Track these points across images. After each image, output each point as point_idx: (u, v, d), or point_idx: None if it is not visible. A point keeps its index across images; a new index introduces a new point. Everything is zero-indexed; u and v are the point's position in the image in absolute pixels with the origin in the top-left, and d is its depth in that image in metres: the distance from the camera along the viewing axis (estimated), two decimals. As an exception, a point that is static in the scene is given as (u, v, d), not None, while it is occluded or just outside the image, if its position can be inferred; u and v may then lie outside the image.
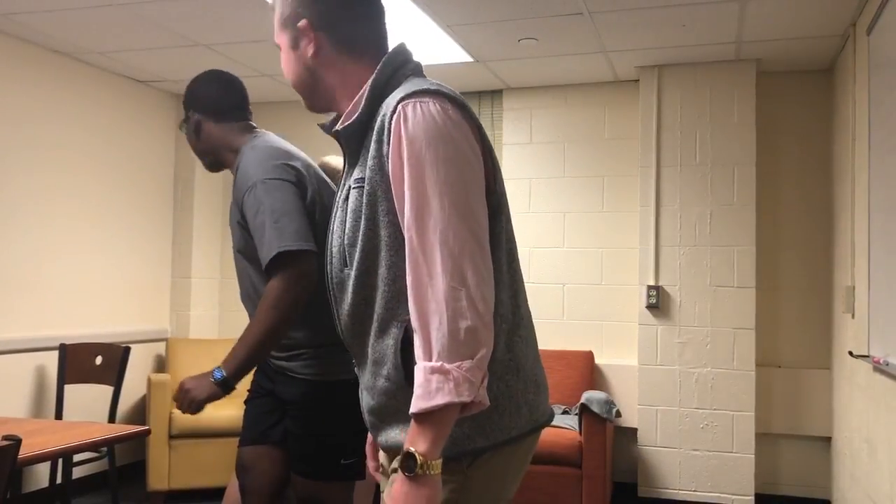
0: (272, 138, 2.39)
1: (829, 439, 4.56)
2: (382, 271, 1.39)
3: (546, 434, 4.01)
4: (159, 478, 4.47)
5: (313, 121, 5.52)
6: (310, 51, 1.49)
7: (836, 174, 4.43)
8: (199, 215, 5.50)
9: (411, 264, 1.29)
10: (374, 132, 1.39)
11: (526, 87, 5.13)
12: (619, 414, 4.43)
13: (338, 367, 2.28)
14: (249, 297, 2.36)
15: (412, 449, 1.21)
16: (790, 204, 4.71)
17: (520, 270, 1.49)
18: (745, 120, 4.54)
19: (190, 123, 2.40)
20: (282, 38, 1.54)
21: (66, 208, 4.62)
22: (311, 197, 2.24)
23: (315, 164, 2.39)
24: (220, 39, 4.27)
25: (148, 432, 2.75)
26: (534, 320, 1.54)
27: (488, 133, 4.10)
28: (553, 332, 5.00)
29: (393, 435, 1.45)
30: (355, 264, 1.42)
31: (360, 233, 1.40)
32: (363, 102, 1.44)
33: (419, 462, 1.21)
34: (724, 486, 4.47)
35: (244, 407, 2.53)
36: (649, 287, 4.62)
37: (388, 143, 1.35)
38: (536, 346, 1.52)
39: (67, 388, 4.35)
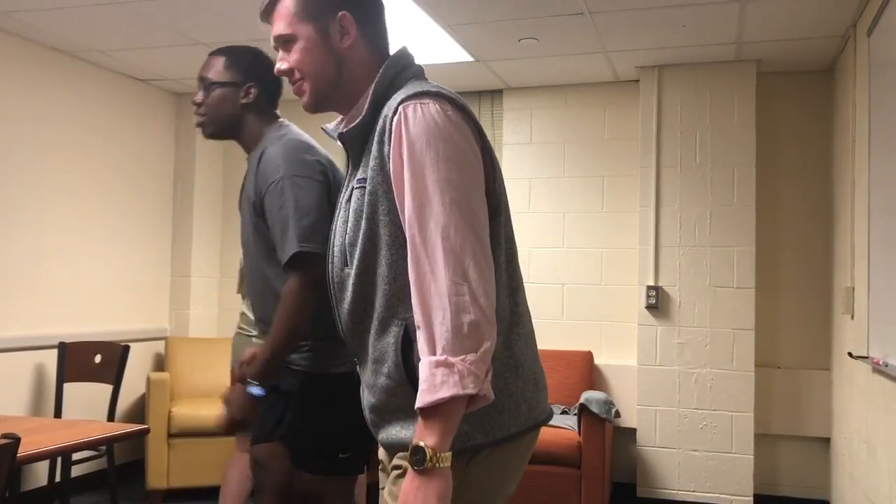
0: (299, 131, 2.38)
1: (828, 440, 4.56)
2: (382, 270, 1.40)
3: (545, 434, 4.01)
4: (158, 476, 4.47)
5: (310, 120, 5.51)
6: (346, 42, 1.50)
7: (836, 175, 4.43)
8: (199, 214, 5.50)
9: (413, 261, 1.30)
10: (376, 133, 1.41)
11: (526, 87, 5.13)
12: (618, 414, 4.43)
13: (337, 360, 2.27)
14: (258, 291, 2.33)
15: (421, 443, 1.23)
16: (790, 204, 4.71)
17: (519, 270, 1.50)
18: (745, 120, 4.54)
19: (236, 92, 2.38)
20: (301, 30, 1.51)
21: (66, 207, 4.62)
22: (332, 196, 2.23)
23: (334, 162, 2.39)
24: (220, 38, 4.27)
25: (147, 431, 2.75)
26: (533, 320, 1.56)
27: (488, 133, 4.10)
28: (552, 333, 4.99)
29: (394, 432, 1.45)
30: (355, 263, 1.43)
31: (361, 232, 1.42)
32: (367, 105, 1.46)
33: (428, 455, 1.22)
34: (723, 486, 4.47)
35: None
36: (649, 287, 4.62)
37: (389, 144, 1.37)
38: (535, 344, 1.53)
39: (66, 386, 4.35)
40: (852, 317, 3.84)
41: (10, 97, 4.28)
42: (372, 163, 1.41)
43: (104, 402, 4.29)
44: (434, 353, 1.25)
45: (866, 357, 3.37)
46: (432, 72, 4.95)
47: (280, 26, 1.54)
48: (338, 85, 1.52)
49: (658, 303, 4.60)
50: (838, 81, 4.40)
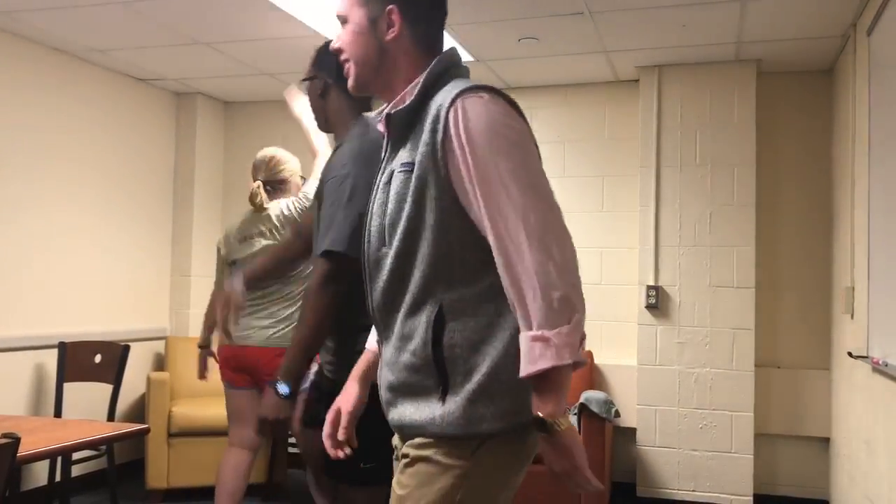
0: (376, 134, 2.42)
1: (827, 440, 4.56)
2: (424, 251, 1.46)
3: (545, 434, 4.01)
4: (158, 476, 4.47)
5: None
6: (390, 35, 1.55)
7: (836, 175, 4.43)
8: (199, 213, 5.50)
9: (499, 251, 1.39)
10: (428, 121, 1.46)
11: (526, 87, 5.13)
12: (618, 414, 4.43)
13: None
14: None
15: (539, 413, 1.34)
16: (790, 204, 4.71)
17: None
18: (746, 120, 4.54)
19: (316, 85, 2.41)
20: (354, 13, 1.58)
21: (66, 206, 4.62)
22: None
23: None
24: (220, 38, 4.27)
25: (147, 431, 2.75)
26: (533, 320, 1.58)
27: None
28: (552, 332, 4.98)
29: (407, 413, 1.49)
30: (395, 243, 1.49)
31: (404, 214, 1.48)
32: (416, 91, 1.51)
33: (549, 423, 1.35)
34: (723, 486, 4.47)
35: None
36: (649, 287, 4.62)
37: (444, 134, 1.43)
38: None
39: (66, 386, 4.35)
40: (852, 316, 3.84)
41: (11, 97, 4.28)
42: (422, 148, 1.46)
43: (104, 402, 4.29)
44: (531, 329, 1.34)
45: (866, 357, 3.37)
46: (432, 71, 4.89)
47: (341, 5, 1.62)
48: (379, 73, 1.58)
49: (658, 302, 4.60)
50: (838, 81, 4.40)
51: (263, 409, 2.22)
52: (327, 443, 1.72)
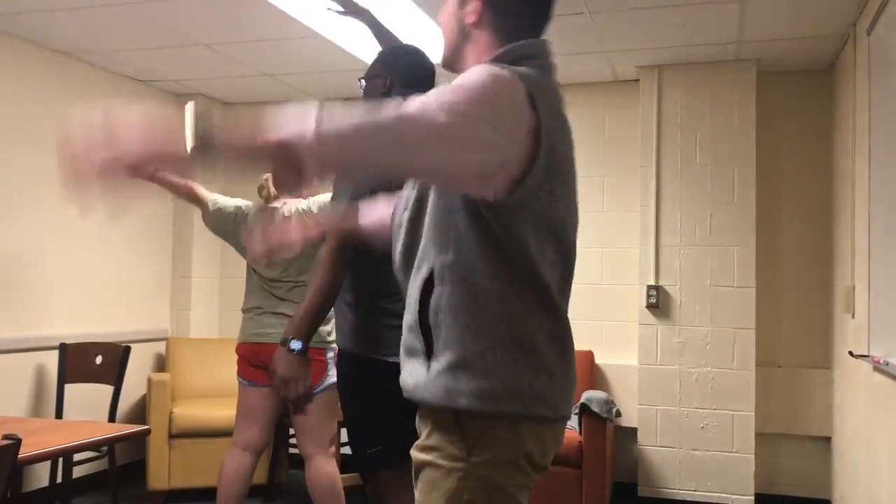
0: None
1: (828, 439, 4.56)
2: (428, 218, 1.52)
3: (546, 434, 4.01)
4: (159, 477, 4.47)
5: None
6: (471, 18, 1.60)
7: (836, 174, 4.43)
8: (199, 214, 5.49)
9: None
10: None
11: (526, 87, 5.12)
12: (619, 414, 4.43)
13: (376, 346, 2.28)
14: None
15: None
16: (790, 203, 4.71)
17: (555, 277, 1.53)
18: (745, 120, 4.54)
19: (377, 83, 2.46)
20: None
21: (67, 207, 4.62)
22: None
23: None
24: (220, 39, 4.27)
25: (148, 432, 2.75)
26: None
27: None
28: (553, 332, 4.99)
29: (405, 375, 1.54)
30: (409, 209, 1.57)
31: (419, 182, 1.56)
32: None
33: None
34: (724, 485, 4.47)
35: None
36: (649, 287, 4.62)
37: None
38: (563, 347, 1.56)
39: (67, 387, 4.35)
40: (853, 316, 3.84)
41: (11, 98, 4.29)
42: None
43: (105, 403, 4.30)
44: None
45: (867, 356, 3.37)
46: (432, 72, 4.89)
47: None
48: (460, 54, 1.64)
49: (658, 302, 4.60)
50: (838, 81, 4.40)
51: (278, 366, 2.26)
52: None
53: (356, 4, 2.89)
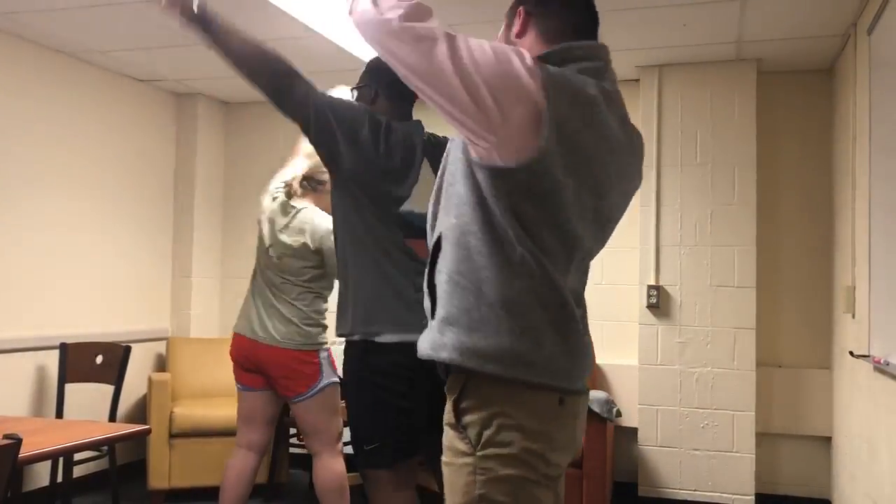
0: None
1: (829, 439, 4.56)
2: (441, 191, 1.64)
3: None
4: (160, 477, 4.47)
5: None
6: (514, 30, 1.68)
7: (837, 174, 4.43)
8: (200, 214, 5.50)
9: None
10: None
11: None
12: (619, 414, 4.43)
13: (378, 326, 2.29)
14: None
15: None
16: (791, 203, 4.70)
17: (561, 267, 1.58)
18: (746, 120, 4.54)
19: (364, 93, 2.57)
20: (508, 12, 1.74)
21: (67, 207, 4.62)
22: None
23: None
24: (220, 39, 4.27)
25: (148, 431, 2.76)
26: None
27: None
28: (553, 332, 4.98)
29: (422, 337, 1.60)
30: (433, 202, 1.67)
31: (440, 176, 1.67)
32: None
33: None
34: (725, 485, 4.47)
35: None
36: (650, 287, 4.62)
37: None
38: (568, 327, 1.59)
39: (68, 387, 4.35)
40: (853, 316, 3.84)
41: (12, 98, 4.29)
42: None
43: (105, 403, 4.30)
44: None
45: (867, 356, 3.37)
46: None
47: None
48: None
49: (659, 302, 4.60)
50: (839, 80, 4.40)
51: None
52: None
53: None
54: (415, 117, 2.56)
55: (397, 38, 1.46)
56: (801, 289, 4.66)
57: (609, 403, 4.26)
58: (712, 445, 4.50)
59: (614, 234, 1.81)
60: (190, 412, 4.55)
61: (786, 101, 4.73)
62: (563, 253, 1.55)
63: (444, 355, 1.50)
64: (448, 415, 1.54)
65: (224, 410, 4.51)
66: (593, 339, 1.69)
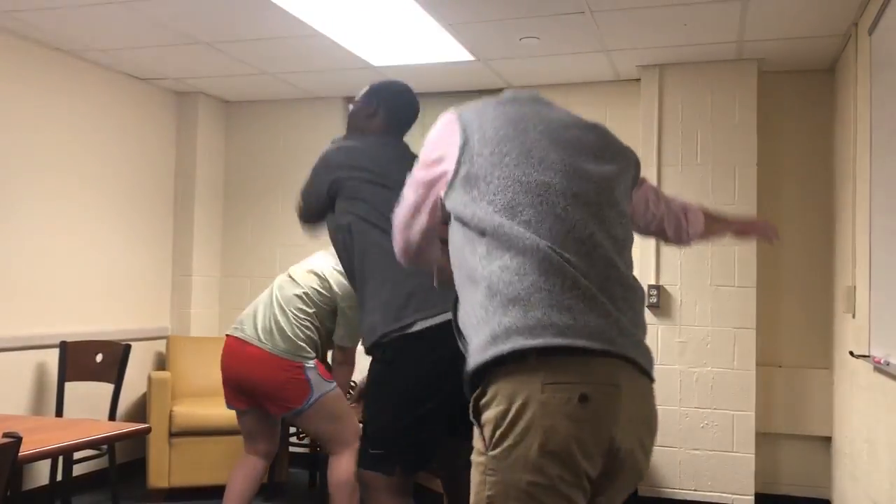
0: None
1: (829, 439, 4.56)
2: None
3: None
4: (160, 475, 4.47)
5: (311, 118, 5.52)
6: None
7: (838, 174, 4.43)
8: (200, 213, 5.50)
9: None
10: None
11: (527, 86, 5.13)
12: (619, 413, 4.42)
13: (407, 318, 2.33)
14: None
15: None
16: (791, 204, 4.70)
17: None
18: (747, 119, 4.53)
19: (367, 107, 2.69)
20: None
21: (67, 205, 4.62)
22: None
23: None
24: (222, 37, 4.27)
25: (148, 430, 2.75)
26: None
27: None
28: (553, 332, 4.98)
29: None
30: None
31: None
32: None
33: None
34: (725, 485, 4.47)
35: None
36: (650, 286, 4.61)
37: None
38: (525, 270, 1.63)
39: (68, 385, 4.35)
40: (854, 315, 3.84)
41: (12, 96, 4.29)
42: None
43: (105, 402, 4.30)
44: None
45: (868, 356, 3.37)
46: (432, 71, 4.93)
47: None
48: None
49: (659, 302, 4.60)
50: (840, 80, 4.40)
51: None
52: None
53: None
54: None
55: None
56: (802, 289, 4.66)
57: (609, 403, 4.25)
58: (712, 445, 4.50)
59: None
60: (190, 411, 4.55)
61: (786, 100, 4.72)
62: (530, 206, 1.59)
63: (466, 367, 1.55)
64: (471, 413, 1.53)
65: (224, 410, 4.49)
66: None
